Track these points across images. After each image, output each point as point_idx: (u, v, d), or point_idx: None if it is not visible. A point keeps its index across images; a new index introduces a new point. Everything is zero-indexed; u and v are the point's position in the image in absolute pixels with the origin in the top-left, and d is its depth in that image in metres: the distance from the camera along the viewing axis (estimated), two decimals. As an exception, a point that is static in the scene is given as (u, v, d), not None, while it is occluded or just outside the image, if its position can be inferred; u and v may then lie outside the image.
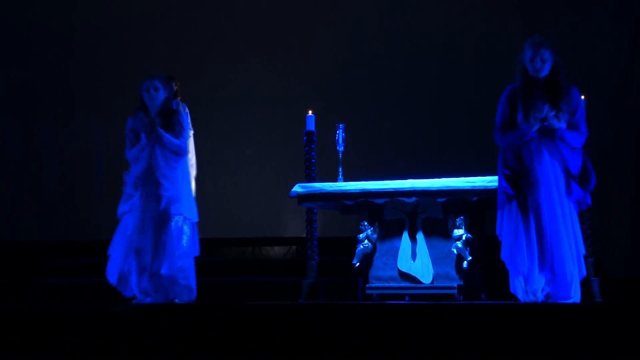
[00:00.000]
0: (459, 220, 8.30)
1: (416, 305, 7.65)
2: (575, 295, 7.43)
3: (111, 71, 12.74)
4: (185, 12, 13.07)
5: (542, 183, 7.43)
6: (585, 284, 8.28)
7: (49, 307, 8.28)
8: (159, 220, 8.35)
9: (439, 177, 8.42)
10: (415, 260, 8.49)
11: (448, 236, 8.38)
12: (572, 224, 7.45)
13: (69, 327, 7.47)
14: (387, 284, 8.56)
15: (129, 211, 8.48)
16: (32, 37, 13.11)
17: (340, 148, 9.16)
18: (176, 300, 8.30)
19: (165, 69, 11.75)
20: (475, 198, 8.27)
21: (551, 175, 7.44)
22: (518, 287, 7.55)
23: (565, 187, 7.47)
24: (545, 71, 7.61)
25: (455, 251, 8.30)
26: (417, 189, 8.41)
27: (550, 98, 7.48)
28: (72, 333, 7.43)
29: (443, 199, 8.37)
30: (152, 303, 8.23)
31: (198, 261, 8.84)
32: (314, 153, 9.27)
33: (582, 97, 7.82)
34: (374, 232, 8.67)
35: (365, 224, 8.69)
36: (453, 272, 8.32)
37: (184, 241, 8.36)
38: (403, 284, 8.49)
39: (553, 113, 7.44)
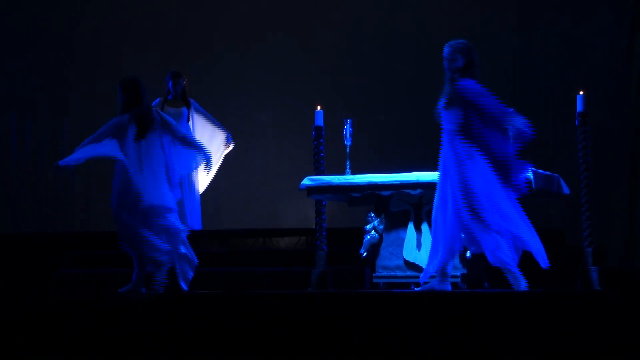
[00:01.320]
0: (462, 212, 8.45)
1: (422, 294, 7.80)
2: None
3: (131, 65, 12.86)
4: (192, 5, 13.19)
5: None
6: (584, 273, 8.47)
7: (71, 297, 8.32)
8: None
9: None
10: (421, 250, 8.64)
11: (452, 227, 8.52)
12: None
13: (91, 316, 7.59)
14: (393, 273, 8.72)
15: None
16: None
17: (348, 142, 9.30)
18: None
19: (175, 62, 11.93)
20: (478, 190, 8.42)
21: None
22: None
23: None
24: None
25: (458, 241, 8.45)
26: (422, 181, 8.55)
27: None
28: (93, 322, 7.54)
29: (447, 191, 8.51)
30: (169, 293, 8.41)
31: (210, 252, 9.02)
32: (322, 147, 9.38)
33: (581, 92, 8.10)
34: (380, 223, 8.83)
35: (372, 215, 8.85)
36: (457, 261, 8.42)
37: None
38: (409, 273, 8.65)
39: None
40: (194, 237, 9.18)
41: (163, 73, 11.16)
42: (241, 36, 13.19)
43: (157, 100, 10.79)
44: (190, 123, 10.91)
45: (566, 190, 8.64)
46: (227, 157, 11.53)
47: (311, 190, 9.00)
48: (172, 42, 13.29)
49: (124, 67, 12.57)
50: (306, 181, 9.02)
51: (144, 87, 8.60)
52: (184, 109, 10.85)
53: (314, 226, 9.52)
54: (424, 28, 12.44)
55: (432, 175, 8.50)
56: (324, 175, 9.17)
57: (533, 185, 8.09)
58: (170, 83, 10.90)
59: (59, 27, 13.60)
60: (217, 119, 11.40)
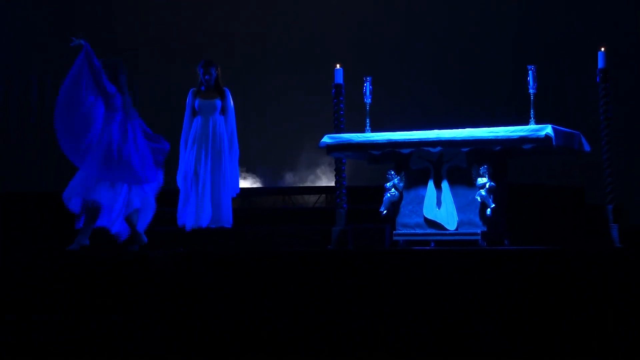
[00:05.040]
0: (482, 169, 8.47)
1: (441, 251, 7.84)
2: None
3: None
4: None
5: None
6: (605, 231, 8.47)
7: (94, 253, 8.41)
8: None
9: (463, 128, 8.56)
10: (440, 207, 8.67)
11: (472, 184, 8.54)
12: None
13: (112, 271, 7.71)
14: (413, 231, 8.75)
15: None
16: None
17: (368, 100, 9.28)
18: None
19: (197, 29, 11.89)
20: (498, 147, 8.44)
21: None
22: None
23: None
24: None
25: (479, 199, 8.47)
26: (442, 139, 8.56)
27: None
28: (115, 278, 7.66)
29: (467, 149, 8.53)
30: (190, 250, 8.50)
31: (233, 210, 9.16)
32: (342, 105, 9.39)
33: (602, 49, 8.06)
34: (400, 180, 8.84)
35: (392, 173, 8.86)
36: (477, 219, 8.50)
37: None
38: (429, 231, 8.68)
39: None
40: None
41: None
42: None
43: (190, 91, 9.84)
44: (226, 116, 9.72)
45: (587, 147, 8.63)
46: (248, 118, 11.54)
47: (331, 148, 9.03)
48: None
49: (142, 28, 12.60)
50: (326, 139, 9.05)
51: None
52: (217, 100, 9.68)
53: (334, 184, 9.54)
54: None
55: (452, 133, 8.54)
56: (343, 133, 9.18)
57: (554, 143, 8.08)
58: (201, 72, 9.78)
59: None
60: (241, 79, 11.32)
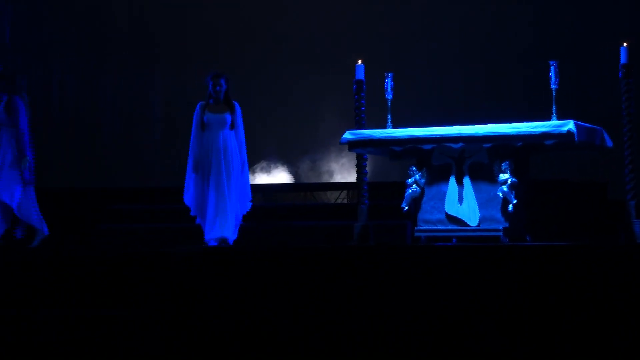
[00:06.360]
0: (504, 165, 8.46)
1: (463, 247, 7.82)
2: None
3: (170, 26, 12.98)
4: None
5: None
6: (627, 226, 8.44)
7: (113, 251, 8.45)
8: None
9: (485, 123, 8.55)
10: (462, 203, 8.66)
11: (494, 180, 8.52)
12: None
13: (132, 269, 7.73)
14: (435, 227, 8.75)
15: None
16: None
17: (389, 96, 9.27)
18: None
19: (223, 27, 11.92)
20: (520, 143, 8.42)
21: None
22: None
23: None
24: None
25: (500, 195, 8.46)
26: (464, 134, 8.56)
27: None
28: (135, 274, 7.68)
29: (489, 145, 8.52)
30: (212, 246, 8.54)
31: (254, 206, 9.15)
32: (363, 101, 9.37)
33: (625, 44, 8.01)
34: (422, 176, 8.83)
35: (414, 169, 8.86)
36: (499, 215, 8.49)
37: None
38: (450, 227, 8.68)
39: None
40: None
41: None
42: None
43: (198, 105, 9.53)
44: (236, 131, 9.45)
45: (609, 143, 8.61)
46: (272, 114, 11.57)
47: (352, 144, 9.04)
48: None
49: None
50: (347, 135, 9.05)
51: None
52: (227, 115, 9.39)
53: (355, 180, 9.54)
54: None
55: (473, 129, 8.53)
56: (365, 129, 9.18)
57: (576, 138, 8.07)
58: (211, 84, 9.46)
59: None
60: (262, 76, 11.35)
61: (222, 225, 9.13)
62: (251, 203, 9.50)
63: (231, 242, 9.17)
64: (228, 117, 9.36)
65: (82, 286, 7.72)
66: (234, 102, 9.45)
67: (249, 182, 9.50)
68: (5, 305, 7.63)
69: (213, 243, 9.13)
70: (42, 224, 9.54)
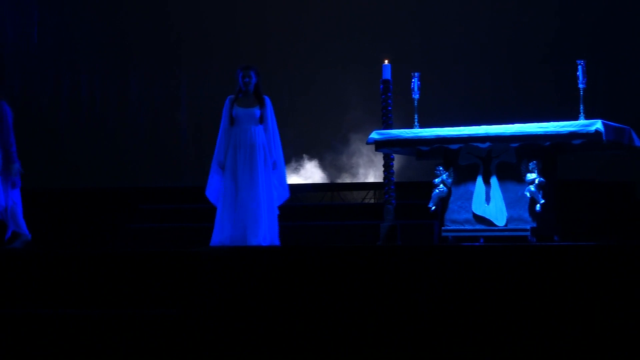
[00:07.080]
0: (531, 165, 8.43)
1: (491, 247, 7.81)
2: None
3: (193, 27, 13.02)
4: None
5: None
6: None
7: (142, 250, 8.46)
8: None
9: (512, 123, 8.54)
10: (490, 203, 8.65)
11: (521, 180, 8.50)
12: None
13: (161, 268, 7.75)
14: (462, 227, 8.74)
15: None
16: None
17: (416, 96, 9.27)
18: None
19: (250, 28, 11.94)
20: (547, 143, 8.39)
21: None
22: None
23: None
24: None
25: (528, 194, 8.44)
26: (491, 134, 8.54)
27: None
28: (162, 274, 7.70)
29: (516, 144, 8.50)
30: (236, 246, 8.54)
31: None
32: (390, 101, 9.37)
33: None
34: (449, 176, 8.82)
35: (441, 168, 8.85)
36: (526, 215, 8.46)
37: None
38: (478, 227, 8.67)
39: None
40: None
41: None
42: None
43: (227, 99, 9.29)
44: (265, 125, 9.18)
45: (637, 142, 8.56)
46: (295, 114, 11.57)
47: (379, 144, 9.04)
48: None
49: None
50: (374, 135, 9.06)
51: None
52: (257, 109, 9.11)
53: (382, 180, 9.54)
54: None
55: (501, 129, 8.51)
56: (391, 129, 9.18)
57: (604, 138, 8.03)
58: (240, 76, 9.17)
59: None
60: (288, 76, 11.33)
61: (254, 230, 8.91)
62: (288, 193, 9.26)
63: (266, 243, 8.95)
64: (257, 111, 9.08)
65: (113, 285, 7.76)
66: (264, 96, 9.18)
67: (284, 175, 9.30)
68: (38, 305, 7.69)
69: (225, 242, 8.95)
70: (26, 228, 9.59)
